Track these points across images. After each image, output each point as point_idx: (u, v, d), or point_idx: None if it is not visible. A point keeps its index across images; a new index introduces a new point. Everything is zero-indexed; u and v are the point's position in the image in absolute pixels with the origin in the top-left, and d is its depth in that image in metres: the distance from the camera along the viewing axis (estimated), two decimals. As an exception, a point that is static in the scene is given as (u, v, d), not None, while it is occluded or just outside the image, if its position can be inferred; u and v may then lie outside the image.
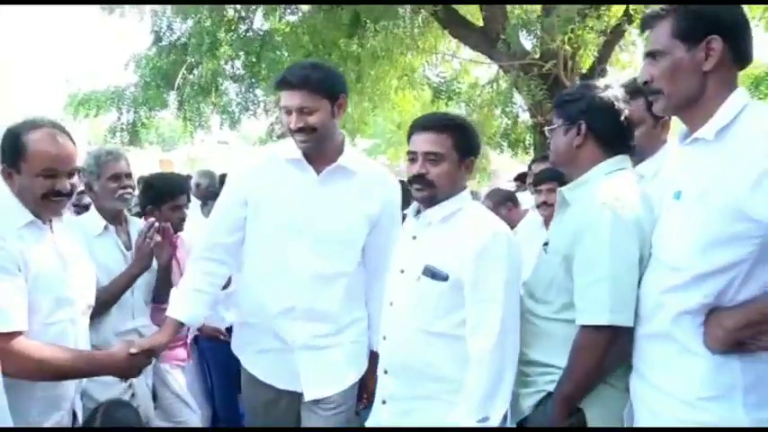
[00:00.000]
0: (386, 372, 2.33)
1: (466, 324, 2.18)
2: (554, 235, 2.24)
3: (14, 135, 2.22)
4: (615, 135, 2.19)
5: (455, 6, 7.65)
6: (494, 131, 8.18)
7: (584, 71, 6.84)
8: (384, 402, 2.33)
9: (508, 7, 7.12)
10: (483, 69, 9.54)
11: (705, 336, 1.76)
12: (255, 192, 2.51)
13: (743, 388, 1.73)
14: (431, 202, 2.25)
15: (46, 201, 2.20)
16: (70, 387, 2.31)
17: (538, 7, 7.37)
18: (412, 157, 2.27)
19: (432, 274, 2.19)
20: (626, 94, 2.28)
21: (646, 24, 1.91)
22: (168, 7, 7.40)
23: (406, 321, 2.26)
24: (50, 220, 2.30)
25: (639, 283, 1.95)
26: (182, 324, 2.58)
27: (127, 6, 7.50)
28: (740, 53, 1.78)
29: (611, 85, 2.26)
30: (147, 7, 7.59)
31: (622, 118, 2.18)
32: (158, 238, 3.02)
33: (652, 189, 2.11)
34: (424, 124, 2.27)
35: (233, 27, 7.18)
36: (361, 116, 10.17)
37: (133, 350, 2.35)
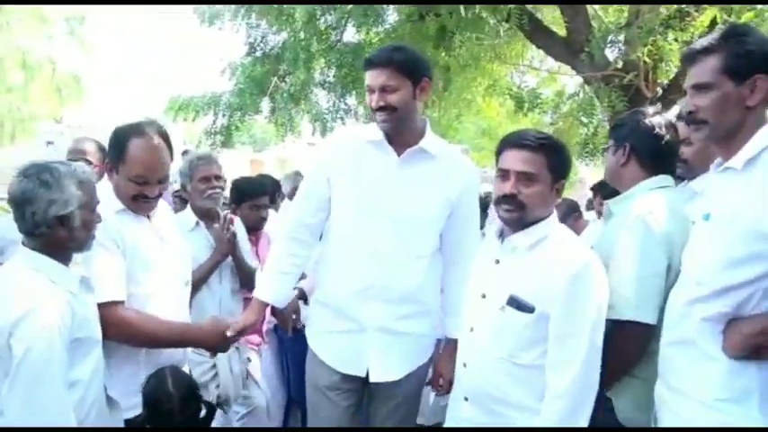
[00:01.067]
0: (466, 399, 2.30)
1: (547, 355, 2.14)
2: (598, 243, 2.43)
3: (120, 137, 2.47)
4: (656, 156, 2.39)
5: (540, 17, 7.74)
6: (577, 141, 8.21)
7: (666, 82, 6.81)
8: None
9: (591, 18, 7.16)
10: (566, 79, 9.56)
11: (724, 341, 1.92)
12: (337, 171, 2.55)
13: (759, 392, 1.87)
14: (518, 224, 2.19)
15: (135, 202, 2.48)
16: (173, 356, 2.59)
17: (621, 17, 7.40)
18: (503, 175, 2.19)
19: (517, 305, 2.13)
20: (676, 118, 2.48)
21: (692, 58, 2.03)
22: (263, 19, 7.84)
23: (488, 350, 2.22)
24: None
25: (667, 293, 2.13)
26: (267, 304, 2.69)
27: (226, 18, 8.02)
28: None
29: (660, 112, 2.45)
30: (243, 19, 8.07)
31: (663, 142, 2.36)
32: (234, 229, 3.38)
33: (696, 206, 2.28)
34: (519, 141, 2.18)
35: (325, 38, 7.51)
36: (448, 122, 10.40)
37: (229, 333, 2.54)
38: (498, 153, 2.26)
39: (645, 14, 6.05)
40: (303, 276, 3.25)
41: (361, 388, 2.65)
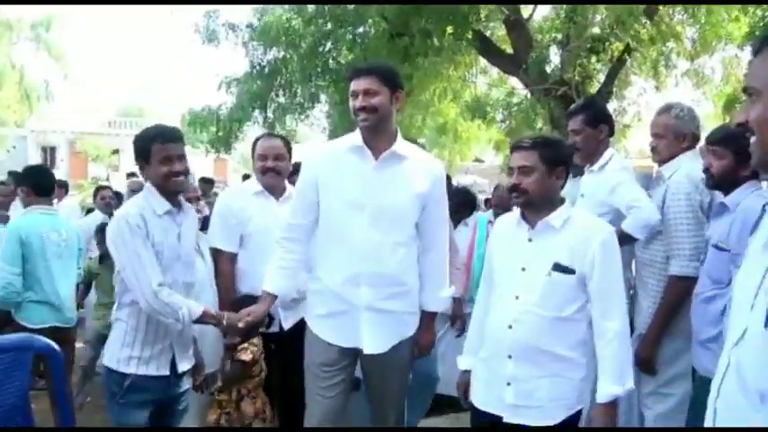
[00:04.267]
0: (510, 356, 2.49)
1: (582, 309, 2.47)
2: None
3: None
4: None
5: (489, 37, 9.37)
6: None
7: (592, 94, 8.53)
8: (509, 384, 2.49)
9: (532, 38, 8.83)
10: (514, 82, 11.27)
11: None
12: (323, 175, 2.80)
13: None
14: (528, 207, 2.53)
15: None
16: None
17: (557, 37, 9.09)
18: (510, 172, 2.59)
19: (561, 269, 2.43)
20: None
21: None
22: (259, 38, 9.25)
23: (537, 310, 2.44)
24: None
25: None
26: (275, 296, 2.90)
27: (222, 38, 9.38)
28: None
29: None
30: (240, 38, 9.43)
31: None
32: None
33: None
34: (518, 144, 2.57)
35: (324, 61, 9.02)
36: (411, 122, 11.97)
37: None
38: (510, 156, 2.69)
39: (573, 41, 7.69)
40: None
41: (353, 362, 2.91)
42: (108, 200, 6.30)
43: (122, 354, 2.74)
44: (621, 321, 2.44)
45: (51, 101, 25.56)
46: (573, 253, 2.44)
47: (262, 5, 9.55)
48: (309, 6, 8.87)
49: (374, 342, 2.80)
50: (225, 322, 2.82)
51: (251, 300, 3.04)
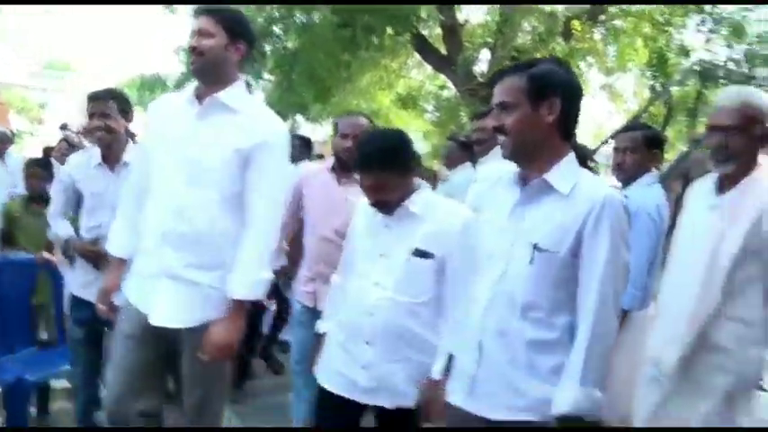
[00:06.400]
0: (367, 343, 2.40)
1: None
2: None
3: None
4: None
5: (426, 36, 10.28)
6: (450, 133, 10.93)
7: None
8: (363, 368, 2.41)
9: (464, 41, 9.78)
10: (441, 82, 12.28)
11: None
12: (153, 124, 2.60)
13: None
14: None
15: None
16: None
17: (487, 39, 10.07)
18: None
19: (421, 254, 2.36)
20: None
21: None
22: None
23: (396, 297, 2.36)
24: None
25: None
26: (121, 259, 2.64)
27: (180, 7, 9.91)
28: None
29: None
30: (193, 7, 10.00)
31: None
32: None
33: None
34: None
35: (270, 41, 9.70)
36: (345, 107, 12.75)
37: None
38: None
39: (499, 49, 8.66)
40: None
41: (160, 342, 2.49)
42: (64, 151, 6.79)
43: (68, 277, 3.46)
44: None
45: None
46: (434, 238, 2.36)
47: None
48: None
49: (165, 313, 2.42)
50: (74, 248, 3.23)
51: None
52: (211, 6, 2.49)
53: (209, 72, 2.44)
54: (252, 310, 3.96)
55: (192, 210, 2.41)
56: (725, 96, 2.44)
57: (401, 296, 2.38)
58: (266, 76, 10.57)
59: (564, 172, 1.84)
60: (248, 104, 2.51)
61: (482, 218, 2.03)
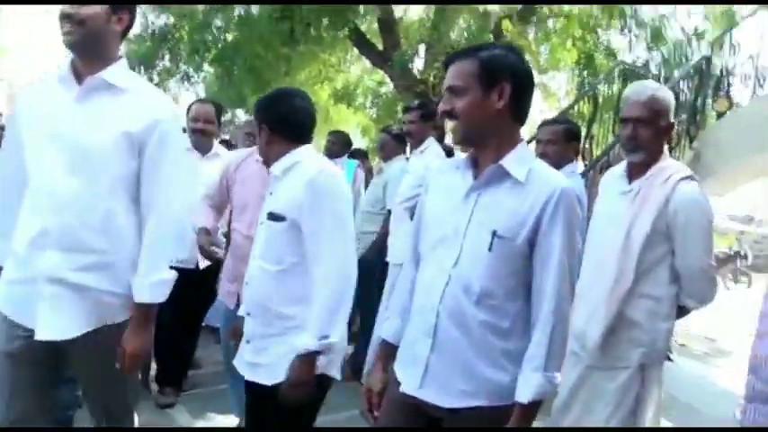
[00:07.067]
0: (248, 314, 2.44)
1: (302, 263, 2.36)
2: None
3: None
4: None
5: (363, 31, 10.43)
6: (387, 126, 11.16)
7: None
8: (248, 342, 2.43)
9: (402, 38, 9.97)
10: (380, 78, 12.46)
11: None
12: (24, 109, 2.26)
13: None
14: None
15: None
16: None
17: (424, 37, 10.30)
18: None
19: (274, 217, 2.37)
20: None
21: None
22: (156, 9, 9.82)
23: (262, 264, 2.39)
24: None
25: None
26: None
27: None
28: None
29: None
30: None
31: None
32: None
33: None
34: None
35: (210, 33, 9.73)
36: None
37: None
38: None
39: (435, 46, 8.87)
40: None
41: (48, 355, 2.19)
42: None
43: None
44: (330, 266, 2.27)
45: None
46: (287, 200, 2.33)
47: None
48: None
49: (51, 324, 2.12)
50: None
51: None
52: None
53: (89, 46, 2.13)
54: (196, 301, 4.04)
55: (79, 206, 2.13)
56: (633, 91, 2.64)
57: (265, 263, 2.37)
58: (206, 67, 10.56)
59: (519, 158, 1.83)
60: (136, 83, 2.26)
61: (429, 201, 2.02)
